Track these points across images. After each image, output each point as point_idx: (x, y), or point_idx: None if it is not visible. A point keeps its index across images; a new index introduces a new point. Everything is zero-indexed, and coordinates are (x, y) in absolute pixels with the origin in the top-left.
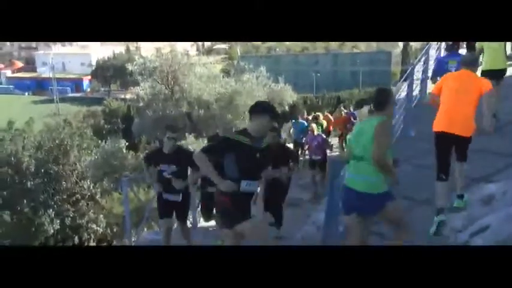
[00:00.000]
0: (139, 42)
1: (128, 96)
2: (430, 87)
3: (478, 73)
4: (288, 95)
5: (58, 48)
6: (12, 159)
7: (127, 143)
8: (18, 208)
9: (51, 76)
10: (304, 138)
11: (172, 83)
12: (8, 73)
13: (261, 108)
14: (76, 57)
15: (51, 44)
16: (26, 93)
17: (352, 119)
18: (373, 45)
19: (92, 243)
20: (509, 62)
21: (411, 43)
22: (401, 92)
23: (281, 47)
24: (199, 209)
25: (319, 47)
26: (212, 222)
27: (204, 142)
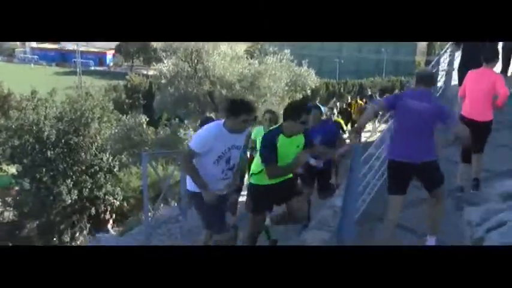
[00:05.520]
0: None
1: (151, 72)
2: (455, 79)
3: None
4: (311, 80)
5: None
6: (34, 128)
7: (147, 119)
8: (38, 176)
9: (75, 49)
10: None
11: (196, 61)
12: (33, 43)
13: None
14: None
15: None
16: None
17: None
18: None
19: (108, 216)
20: None
21: None
22: None
23: None
24: None
25: None
26: None
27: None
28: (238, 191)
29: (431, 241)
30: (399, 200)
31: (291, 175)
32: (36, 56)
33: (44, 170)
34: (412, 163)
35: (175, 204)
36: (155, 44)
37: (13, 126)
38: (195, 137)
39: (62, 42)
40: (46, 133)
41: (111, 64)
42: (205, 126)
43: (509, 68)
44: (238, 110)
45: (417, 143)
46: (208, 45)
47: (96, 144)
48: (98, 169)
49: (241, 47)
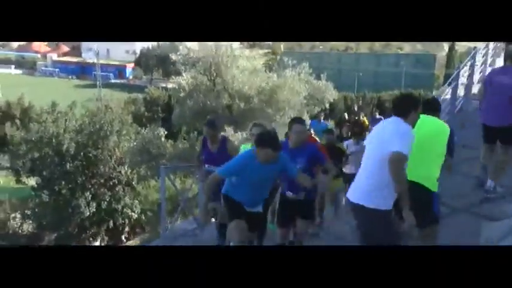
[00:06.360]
0: None
1: (170, 85)
2: (474, 92)
3: None
4: (329, 93)
5: None
6: (54, 140)
7: (166, 132)
8: (57, 189)
9: (95, 62)
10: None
11: (214, 74)
12: (54, 56)
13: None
14: (121, 44)
15: None
16: (70, 77)
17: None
18: (418, 47)
19: (126, 228)
20: None
21: (457, 47)
22: (445, 96)
23: (325, 45)
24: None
25: (363, 46)
26: None
27: (243, 135)
28: None
29: (490, 183)
30: (487, 147)
31: None
32: (57, 69)
33: (62, 182)
34: (495, 126)
35: (193, 218)
36: (174, 57)
37: (33, 138)
38: (400, 138)
39: (82, 56)
40: (65, 146)
41: (131, 77)
42: (404, 126)
43: None
44: (416, 104)
45: (501, 110)
46: (227, 59)
47: (114, 157)
48: (116, 182)
49: (260, 60)
